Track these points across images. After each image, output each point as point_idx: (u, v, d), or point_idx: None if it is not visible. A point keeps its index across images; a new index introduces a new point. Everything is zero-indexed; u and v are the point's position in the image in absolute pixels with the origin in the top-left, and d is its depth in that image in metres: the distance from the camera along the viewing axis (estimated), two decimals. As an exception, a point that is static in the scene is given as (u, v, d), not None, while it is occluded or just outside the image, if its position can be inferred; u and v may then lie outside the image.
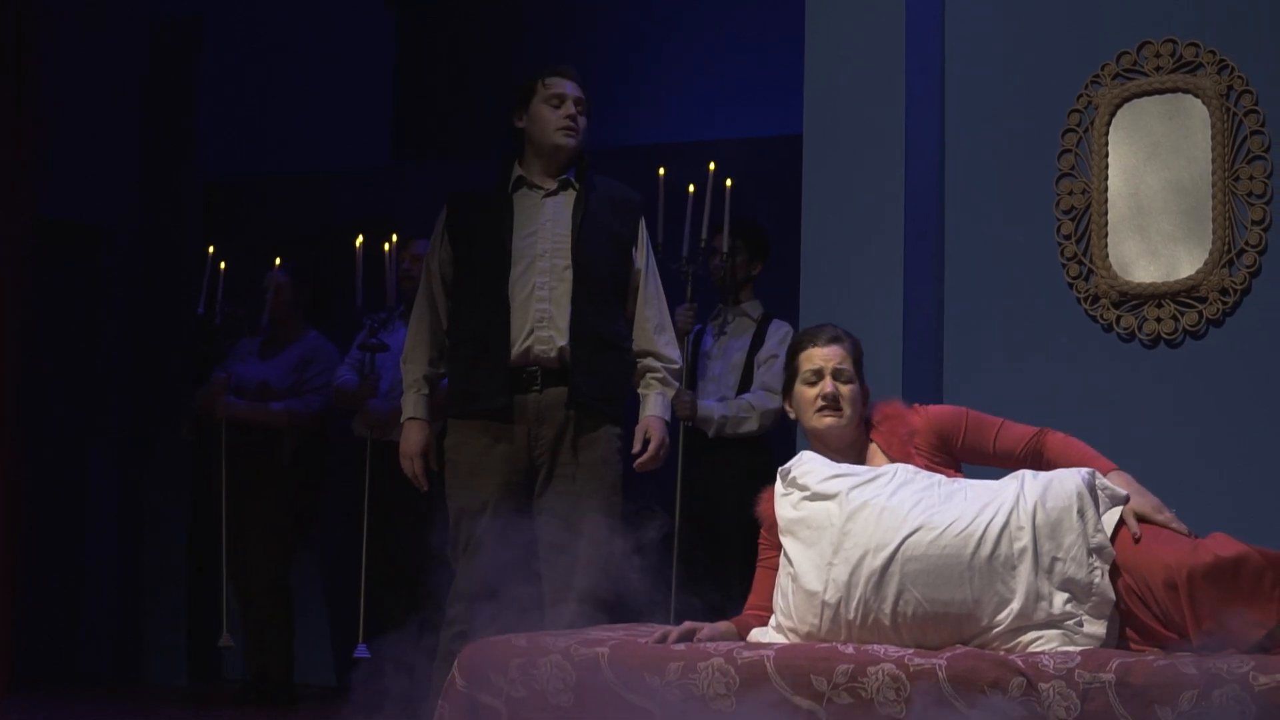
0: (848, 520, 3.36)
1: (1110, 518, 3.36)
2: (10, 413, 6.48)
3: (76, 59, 7.21)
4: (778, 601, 3.45)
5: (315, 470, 6.50)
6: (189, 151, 7.49)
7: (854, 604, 3.30)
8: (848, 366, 3.67)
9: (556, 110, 4.47)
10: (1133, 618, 3.29)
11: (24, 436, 6.63)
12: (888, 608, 3.28)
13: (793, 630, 3.39)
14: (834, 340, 3.71)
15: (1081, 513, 3.32)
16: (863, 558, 3.31)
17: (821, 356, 3.68)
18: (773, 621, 3.47)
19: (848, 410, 3.64)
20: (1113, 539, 3.32)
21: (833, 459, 3.60)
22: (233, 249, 6.58)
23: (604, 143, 5.11)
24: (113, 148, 7.42)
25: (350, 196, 7.31)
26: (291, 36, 8.12)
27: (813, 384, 3.66)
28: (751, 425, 5.44)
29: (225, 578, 6.38)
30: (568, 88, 4.49)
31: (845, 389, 3.64)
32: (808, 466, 3.53)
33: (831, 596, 3.32)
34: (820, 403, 3.64)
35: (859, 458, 3.65)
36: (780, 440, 5.27)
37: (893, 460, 3.58)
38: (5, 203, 6.51)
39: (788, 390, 3.75)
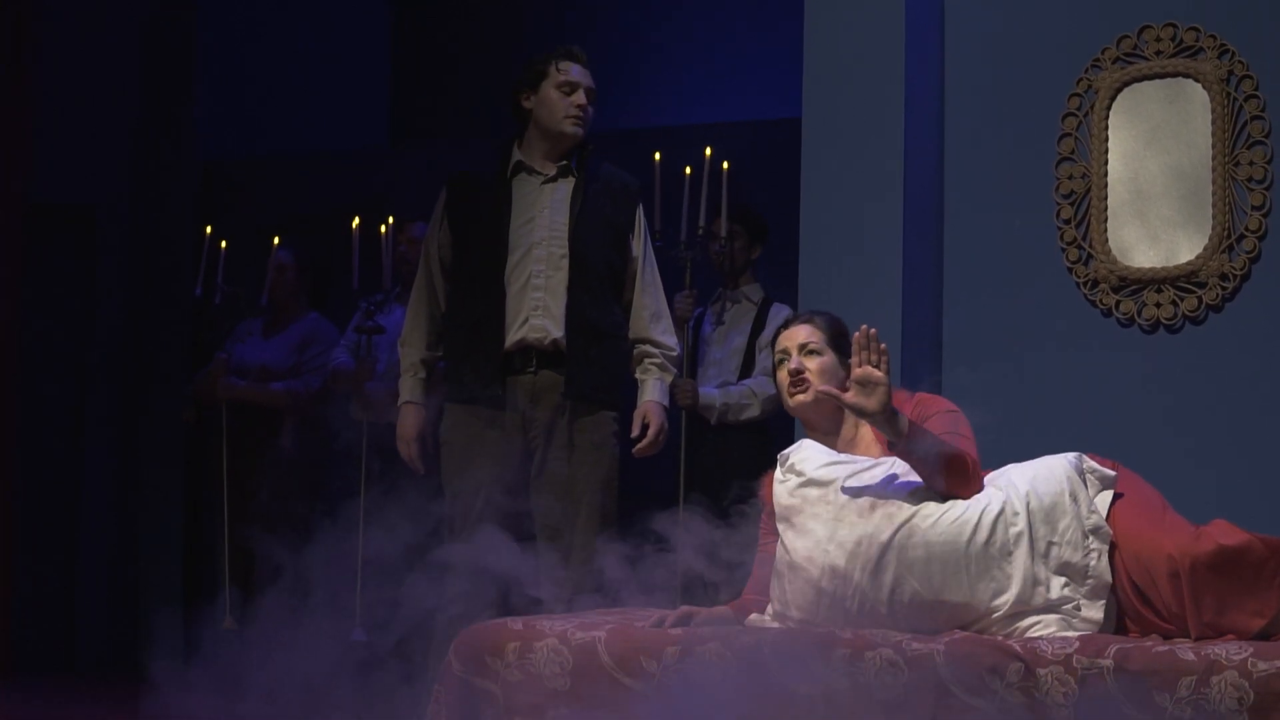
0: (843, 508, 3.35)
1: (1102, 499, 3.36)
2: (6, 397, 6.46)
3: (73, 39, 7.18)
4: (774, 589, 3.43)
5: (317, 451, 6.47)
6: (185, 133, 7.46)
7: (850, 592, 3.28)
8: (815, 341, 3.60)
9: (568, 97, 4.42)
10: (1134, 612, 3.28)
11: (19, 421, 6.61)
12: (884, 596, 3.26)
13: (788, 619, 3.38)
14: (804, 320, 3.67)
15: (1074, 495, 3.32)
16: (858, 546, 3.29)
17: (788, 337, 3.64)
18: (769, 610, 3.46)
19: (817, 384, 3.54)
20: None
21: (828, 445, 3.58)
22: (229, 231, 6.55)
23: (600, 126, 5.08)
24: (108, 129, 7.39)
25: (347, 179, 7.29)
26: (288, 18, 8.09)
27: (783, 365, 3.62)
28: (753, 411, 5.41)
29: (227, 562, 6.35)
30: (581, 75, 4.44)
31: (812, 362, 3.58)
32: (805, 453, 3.51)
33: (828, 585, 3.31)
34: (788, 381, 3.60)
35: (852, 445, 3.62)
36: (783, 425, 5.25)
37: (883, 448, 3.56)
38: None
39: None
